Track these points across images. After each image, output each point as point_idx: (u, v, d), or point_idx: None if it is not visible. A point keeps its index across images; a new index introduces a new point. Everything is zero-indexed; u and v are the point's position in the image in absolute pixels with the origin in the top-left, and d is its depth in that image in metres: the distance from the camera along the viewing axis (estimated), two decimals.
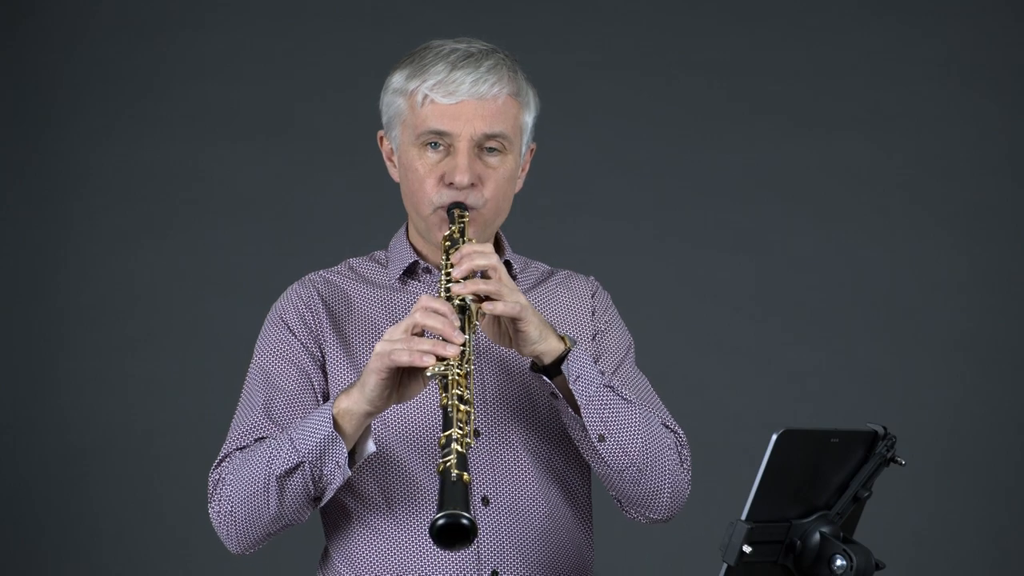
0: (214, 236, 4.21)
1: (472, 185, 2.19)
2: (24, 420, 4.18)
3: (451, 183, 2.19)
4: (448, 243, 2.16)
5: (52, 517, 4.17)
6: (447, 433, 1.91)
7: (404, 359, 1.98)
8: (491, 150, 2.21)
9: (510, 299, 2.06)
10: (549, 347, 2.11)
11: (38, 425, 4.18)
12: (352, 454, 2.09)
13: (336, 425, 2.05)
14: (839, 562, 1.85)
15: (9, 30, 4.21)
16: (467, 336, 2.02)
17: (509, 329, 2.10)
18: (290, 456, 2.07)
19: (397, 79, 2.24)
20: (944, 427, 4.20)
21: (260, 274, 4.11)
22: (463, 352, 1.99)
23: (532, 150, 2.33)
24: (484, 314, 2.08)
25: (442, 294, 2.08)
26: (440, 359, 1.97)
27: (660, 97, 4.28)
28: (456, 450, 1.89)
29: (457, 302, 2.05)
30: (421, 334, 2.02)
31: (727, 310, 4.25)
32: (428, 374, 1.97)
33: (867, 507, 1.96)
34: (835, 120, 4.27)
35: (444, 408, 1.95)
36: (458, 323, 2.01)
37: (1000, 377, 4.22)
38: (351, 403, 2.04)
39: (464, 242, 2.14)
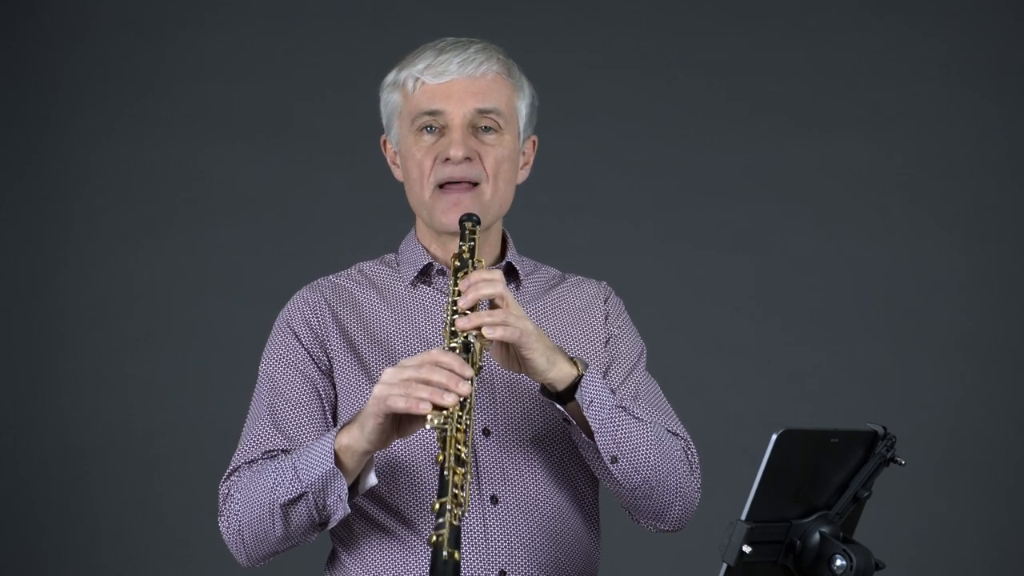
0: (214, 236, 4.21)
1: (468, 160, 2.20)
2: (24, 420, 4.18)
3: (447, 159, 2.19)
4: (457, 263, 2.13)
5: (52, 517, 4.17)
6: (441, 501, 1.88)
7: (400, 405, 1.95)
8: (487, 129, 2.22)
9: (515, 325, 2.03)
10: (561, 373, 2.09)
11: (38, 425, 4.18)
12: (356, 482, 2.09)
13: (338, 459, 2.04)
14: (839, 562, 1.85)
15: (9, 30, 4.21)
16: (472, 377, 1.98)
17: (517, 355, 2.07)
18: (294, 486, 2.07)
19: (390, 76, 2.27)
20: (944, 427, 4.20)
21: (260, 274, 4.12)
22: (464, 403, 1.96)
23: (534, 142, 2.33)
24: (490, 345, 2.06)
25: (448, 328, 2.05)
26: (438, 408, 1.95)
27: (660, 97, 4.28)
28: (450, 523, 1.86)
29: (461, 339, 2.03)
30: None
31: (727, 310, 4.25)
32: (428, 427, 1.94)
33: (867, 507, 1.96)
34: (835, 120, 4.27)
35: (440, 468, 1.92)
36: (470, 373, 1.97)
37: (1000, 377, 4.22)
38: (351, 440, 2.03)
39: (473, 264, 2.12)
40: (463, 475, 1.91)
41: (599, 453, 2.12)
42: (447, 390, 1.94)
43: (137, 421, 4.18)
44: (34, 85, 4.21)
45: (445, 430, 1.93)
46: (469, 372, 1.97)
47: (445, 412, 1.94)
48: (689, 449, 2.24)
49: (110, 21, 4.23)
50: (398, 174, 2.31)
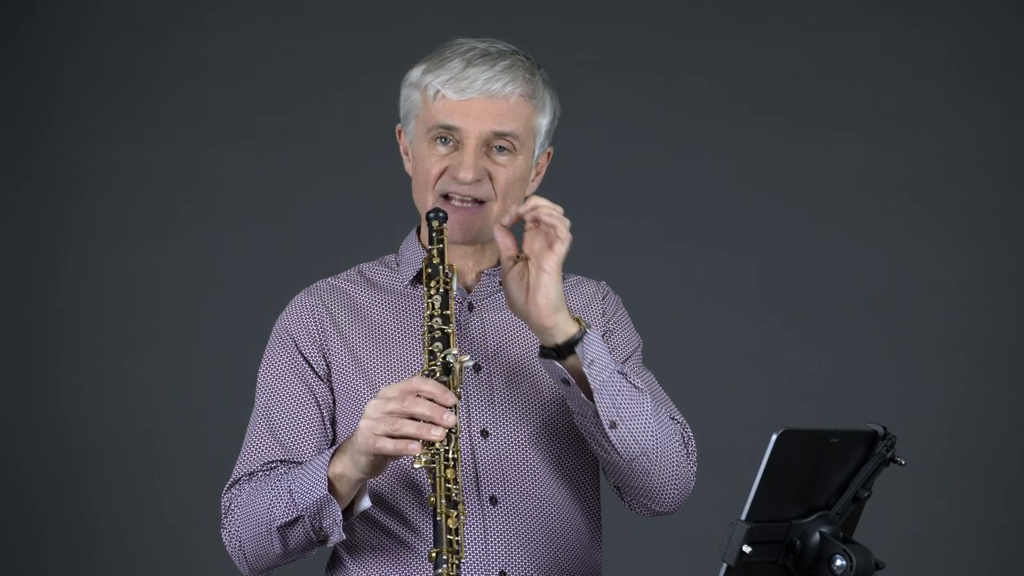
0: (214, 236, 4.21)
1: (478, 181, 2.19)
2: (24, 420, 4.18)
3: (455, 178, 2.18)
4: (429, 271, 2.11)
5: (52, 517, 4.17)
6: (436, 551, 1.91)
7: (388, 448, 1.96)
8: (501, 149, 2.20)
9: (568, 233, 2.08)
10: (565, 324, 2.08)
11: (38, 425, 4.18)
12: (353, 503, 2.10)
13: (331, 486, 2.05)
14: (839, 562, 1.85)
15: (9, 30, 4.21)
16: (455, 404, 1.98)
17: (532, 280, 2.07)
18: (289, 510, 2.08)
19: (415, 73, 2.24)
20: (944, 427, 4.20)
21: (260, 274, 4.12)
22: (449, 434, 1.97)
23: (549, 154, 2.32)
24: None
25: (425, 348, 2.04)
26: (426, 444, 1.95)
27: (660, 97, 4.28)
28: (446, 573, 1.90)
29: (441, 360, 2.02)
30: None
31: (727, 310, 4.25)
32: (416, 466, 1.95)
33: (867, 507, 1.96)
34: (835, 120, 4.27)
35: (432, 513, 1.94)
36: (452, 400, 1.97)
37: (1000, 377, 4.22)
38: (344, 469, 2.04)
39: (444, 267, 2.10)
40: (456, 517, 1.93)
41: (598, 418, 2.09)
42: (432, 423, 1.94)
43: (137, 421, 4.18)
44: (34, 85, 4.21)
45: (434, 469, 1.94)
46: (451, 399, 1.97)
47: (433, 449, 1.95)
48: (686, 432, 2.22)
49: (110, 21, 4.23)
50: (408, 168, 2.30)
